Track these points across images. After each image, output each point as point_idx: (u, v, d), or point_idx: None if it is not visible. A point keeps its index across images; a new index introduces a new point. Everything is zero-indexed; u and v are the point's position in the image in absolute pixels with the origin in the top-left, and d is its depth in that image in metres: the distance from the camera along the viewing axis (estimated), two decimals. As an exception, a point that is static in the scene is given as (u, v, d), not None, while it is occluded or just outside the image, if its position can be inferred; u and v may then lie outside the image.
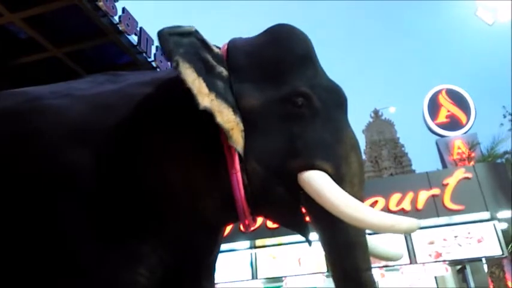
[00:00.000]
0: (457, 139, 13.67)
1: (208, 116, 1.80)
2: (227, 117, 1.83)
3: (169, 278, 2.13)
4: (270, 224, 8.06)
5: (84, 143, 1.97)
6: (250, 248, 8.79)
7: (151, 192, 1.99)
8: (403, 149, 17.89)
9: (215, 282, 2.63)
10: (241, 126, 1.88)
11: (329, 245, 1.99)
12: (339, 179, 1.93)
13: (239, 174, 1.91)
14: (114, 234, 1.92)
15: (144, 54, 9.34)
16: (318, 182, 1.89)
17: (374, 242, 2.11)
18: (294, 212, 2.04)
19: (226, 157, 1.92)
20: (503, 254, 7.61)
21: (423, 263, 7.67)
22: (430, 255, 7.66)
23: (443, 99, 14.85)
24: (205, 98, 1.77)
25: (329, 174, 1.91)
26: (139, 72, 3.20)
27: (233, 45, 2.09)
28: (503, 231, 7.95)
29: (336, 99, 2.11)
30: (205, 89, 1.79)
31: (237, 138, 1.86)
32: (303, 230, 2.09)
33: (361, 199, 1.93)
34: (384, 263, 1.94)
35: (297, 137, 1.97)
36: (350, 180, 1.98)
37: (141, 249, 1.95)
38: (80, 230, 1.89)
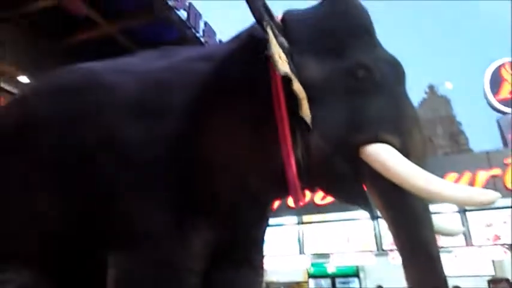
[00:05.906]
0: (521, 116, 12.67)
1: (263, 86, 1.82)
2: (299, 87, 1.79)
3: (220, 251, 2.17)
4: (318, 200, 8.00)
5: (140, 118, 2.02)
6: (298, 223, 8.81)
7: (205, 167, 2.02)
8: (460, 126, 16.93)
9: (264, 254, 2.65)
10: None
11: (396, 220, 1.94)
12: (405, 152, 1.86)
13: (290, 148, 1.87)
14: (173, 208, 1.98)
15: (193, 30, 9.37)
16: (385, 155, 1.83)
17: (433, 217, 2.05)
18: (355, 186, 2.01)
19: (278, 130, 1.88)
20: None
21: (479, 246, 7.31)
22: (488, 238, 7.27)
23: (506, 73, 13.72)
24: (285, 65, 1.73)
25: (395, 148, 1.85)
26: (189, 47, 3.25)
27: (290, 16, 2.07)
28: None
29: (395, 73, 2.05)
30: (283, 56, 1.77)
31: (306, 110, 1.82)
32: (365, 204, 2.04)
33: None
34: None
35: (360, 110, 1.91)
36: (415, 154, 1.91)
37: (199, 224, 2.00)
38: (144, 200, 1.95)
